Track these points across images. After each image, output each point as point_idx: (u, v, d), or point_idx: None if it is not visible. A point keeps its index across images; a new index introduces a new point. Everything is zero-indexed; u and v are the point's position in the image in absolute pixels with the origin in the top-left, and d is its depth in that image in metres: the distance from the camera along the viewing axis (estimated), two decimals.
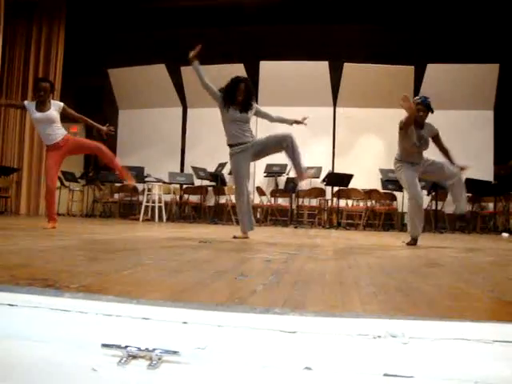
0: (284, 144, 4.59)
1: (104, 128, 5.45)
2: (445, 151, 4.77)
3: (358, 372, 0.89)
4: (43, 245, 3.15)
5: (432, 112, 4.64)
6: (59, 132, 5.15)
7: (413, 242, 4.59)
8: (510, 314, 1.47)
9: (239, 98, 4.63)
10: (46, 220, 5.24)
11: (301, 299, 1.50)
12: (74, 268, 2.08)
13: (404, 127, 4.51)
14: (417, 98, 4.74)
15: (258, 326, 0.99)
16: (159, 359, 0.90)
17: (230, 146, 4.72)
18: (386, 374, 0.88)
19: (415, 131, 4.55)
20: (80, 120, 5.49)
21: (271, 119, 5.00)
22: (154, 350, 0.91)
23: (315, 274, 2.20)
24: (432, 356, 0.90)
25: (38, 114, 5.09)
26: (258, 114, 4.93)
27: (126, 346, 0.92)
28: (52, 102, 5.17)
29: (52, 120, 5.09)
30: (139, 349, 0.91)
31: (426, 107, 4.58)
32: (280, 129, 5.02)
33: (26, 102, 5.31)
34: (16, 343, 0.97)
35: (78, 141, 5.35)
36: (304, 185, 9.88)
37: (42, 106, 5.11)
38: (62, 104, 5.19)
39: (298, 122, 4.98)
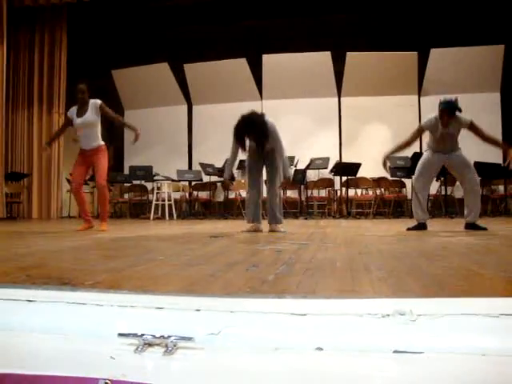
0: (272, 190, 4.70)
1: (138, 131, 5.53)
2: (488, 139, 4.74)
3: (368, 350, 0.91)
4: (57, 246, 3.19)
5: (460, 111, 4.60)
6: (95, 140, 5.26)
7: (416, 226, 4.61)
8: None
9: (251, 141, 4.64)
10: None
11: (312, 286, 1.53)
12: (87, 266, 2.12)
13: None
14: (441, 102, 4.67)
15: (270, 310, 1.01)
16: (174, 346, 0.93)
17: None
18: (395, 351, 0.90)
19: (440, 130, 4.56)
20: (116, 120, 5.60)
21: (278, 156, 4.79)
22: (169, 336, 0.94)
23: (326, 261, 2.22)
24: (440, 331, 0.92)
25: (78, 121, 5.22)
26: (274, 141, 4.69)
27: (142, 335, 0.95)
28: (90, 101, 5.27)
29: (89, 124, 5.20)
30: (154, 336, 0.94)
31: (449, 111, 4.55)
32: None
33: (69, 113, 5.40)
34: (36, 336, 1.00)
35: (101, 161, 5.35)
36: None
37: (81, 108, 5.25)
38: (98, 102, 5.27)
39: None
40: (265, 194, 4.93)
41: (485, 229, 4.47)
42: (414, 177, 4.87)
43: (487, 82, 9.61)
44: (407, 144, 4.83)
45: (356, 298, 1.12)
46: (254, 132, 4.53)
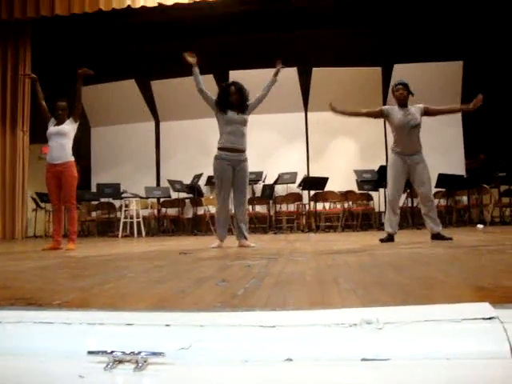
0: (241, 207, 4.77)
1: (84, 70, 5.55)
2: (446, 110, 5.08)
3: (336, 359, 0.92)
4: (22, 266, 3.12)
5: (412, 95, 4.81)
6: (65, 154, 5.20)
7: (386, 238, 4.67)
8: (479, 295, 1.53)
9: (233, 99, 4.77)
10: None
11: (281, 299, 1.54)
12: (55, 286, 2.08)
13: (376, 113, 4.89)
14: (394, 82, 4.94)
15: (239, 323, 1.02)
16: (145, 361, 0.93)
17: (220, 148, 4.75)
18: (363, 359, 0.92)
19: (400, 110, 4.70)
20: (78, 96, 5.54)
21: (264, 95, 5.15)
22: (140, 352, 0.93)
23: (295, 275, 2.24)
24: (405, 338, 0.94)
25: (53, 129, 5.25)
26: (254, 106, 5.03)
27: (112, 352, 0.94)
28: (69, 119, 5.33)
29: (63, 134, 5.20)
30: (124, 353, 0.94)
31: (404, 86, 4.75)
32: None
33: (52, 118, 5.40)
34: (3, 358, 0.98)
35: (69, 178, 5.26)
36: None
37: (59, 123, 5.29)
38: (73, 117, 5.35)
39: (277, 72, 5.21)
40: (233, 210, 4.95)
41: (450, 239, 4.56)
42: (387, 189, 4.92)
43: (448, 96, 9.87)
44: (359, 114, 5.27)
45: (324, 309, 1.13)
46: (244, 93, 4.85)
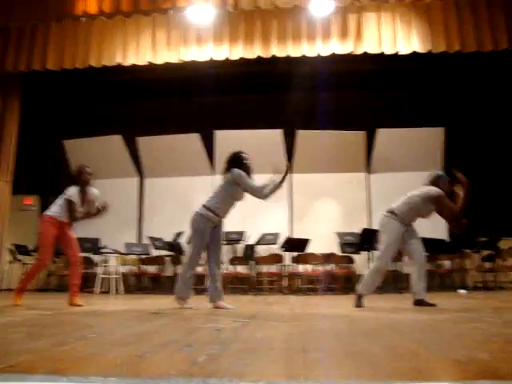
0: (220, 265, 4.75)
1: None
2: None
3: None
4: None
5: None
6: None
7: (358, 302, 4.58)
8: (451, 371, 1.46)
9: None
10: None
11: (242, 369, 1.45)
12: (7, 346, 1.97)
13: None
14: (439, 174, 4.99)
15: None
16: None
17: (213, 212, 4.65)
18: None
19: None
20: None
21: (258, 196, 5.02)
22: None
23: (264, 341, 2.14)
24: None
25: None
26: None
27: None
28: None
29: None
30: None
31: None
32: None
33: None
34: None
35: (72, 232, 5.25)
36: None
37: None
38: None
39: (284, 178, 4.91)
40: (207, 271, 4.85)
41: (433, 305, 4.48)
42: (383, 251, 4.75)
43: (430, 160, 10.05)
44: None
45: None
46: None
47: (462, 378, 1.34)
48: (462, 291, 7.93)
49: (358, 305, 4.57)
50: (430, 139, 9.98)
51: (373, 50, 8.55)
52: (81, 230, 10.67)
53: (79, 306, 4.87)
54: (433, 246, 8.85)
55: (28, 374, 1.38)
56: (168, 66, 9.26)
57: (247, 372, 1.41)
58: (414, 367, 1.50)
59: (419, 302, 4.58)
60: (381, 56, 8.68)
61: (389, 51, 8.50)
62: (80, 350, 1.88)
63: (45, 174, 11.57)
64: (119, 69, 9.33)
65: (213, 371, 1.41)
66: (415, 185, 10.28)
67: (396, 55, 8.54)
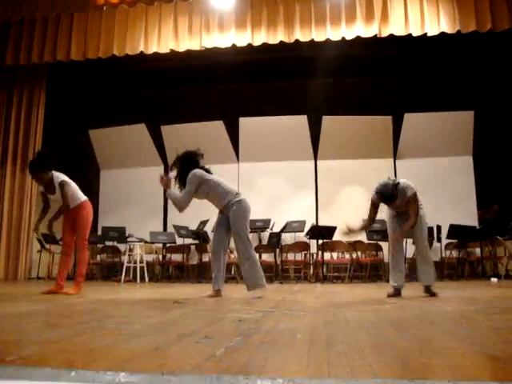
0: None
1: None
2: (410, 215, 4.43)
3: None
4: (2, 311, 2.96)
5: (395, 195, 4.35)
6: (73, 200, 5.05)
7: (394, 293, 4.44)
8: (489, 368, 1.34)
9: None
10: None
11: (261, 363, 1.36)
12: (23, 337, 1.92)
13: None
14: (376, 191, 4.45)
15: None
16: None
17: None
18: None
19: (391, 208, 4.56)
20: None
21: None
22: None
23: (286, 333, 2.04)
24: None
25: (51, 196, 5.03)
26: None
27: None
28: (54, 179, 4.95)
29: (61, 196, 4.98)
30: None
31: (387, 201, 4.41)
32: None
33: (41, 191, 5.15)
34: None
35: (81, 220, 5.09)
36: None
37: (48, 190, 5.01)
38: (58, 183, 4.94)
39: None
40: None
41: (434, 295, 4.31)
42: (389, 242, 4.69)
43: (459, 145, 9.78)
44: (370, 220, 4.68)
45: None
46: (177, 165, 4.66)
47: (504, 376, 1.22)
48: (494, 280, 7.71)
49: (390, 294, 4.44)
50: (458, 123, 9.69)
51: (399, 32, 8.31)
52: (108, 219, 10.78)
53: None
54: (463, 233, 8.63)
55: (36, 367, 1.31)
56: (191, 54, 9.19)
57: (266, 367, 1.31)
58: (448, 364, 1.38)
59: (426, 289, 4.43)
60: (407, 39, 8.43)
61: (416, 33, 8.24)
62: (95, 341, 1.81)
63: (71, 164, 11.65)
64: (142, 57, 9.30)
65: (229, 366, 1.32)
66: (443, 170, 10.09)
67: (423, 37, 8.28)
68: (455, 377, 1.20)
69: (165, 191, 4.74)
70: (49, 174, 4.92)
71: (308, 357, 1.46)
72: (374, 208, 4.61)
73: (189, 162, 4.66)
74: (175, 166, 4.69)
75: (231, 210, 4.51)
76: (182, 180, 4.62)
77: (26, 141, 10.22)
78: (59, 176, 5.00)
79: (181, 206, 4.59)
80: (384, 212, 4.73)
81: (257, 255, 4.80)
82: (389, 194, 4.32)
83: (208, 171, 4.72)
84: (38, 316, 2.77)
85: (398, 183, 4.39)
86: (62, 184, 4.94)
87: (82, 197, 5.18)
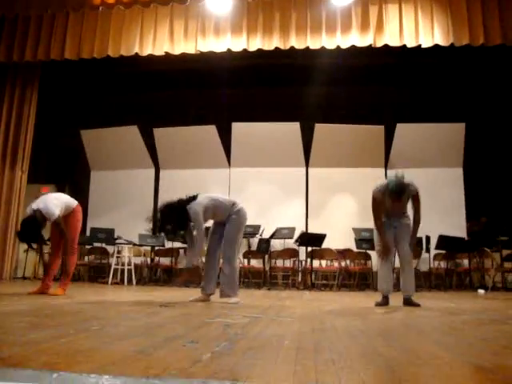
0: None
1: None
2: (415, 215, 4.49)
3: None
4: None
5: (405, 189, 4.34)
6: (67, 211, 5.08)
7: (382, 301, 4.43)
8: (477, 379, 1.32)
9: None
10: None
11: (247, 370, 1.34)
12: (5, 337, 1.88)
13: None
14: (391, 184, 4.35)
15: None
16: None
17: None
18: None
19: (389, 202, 4.47)
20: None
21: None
22: None
23: (274, 339, 2.02)
24: None
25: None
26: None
27: None
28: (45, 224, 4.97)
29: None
30: None
31: (397, 196, 4.31)
32: None
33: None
34: None
35: (69, 222, 5.08)
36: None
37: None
38: (52, 223, 4.94)
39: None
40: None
41: (418, 305, 4.30)
42: (377, 250, 4.69)
43: (450, 157, 9.83)
44: (380, 218, 4.60)
45: None
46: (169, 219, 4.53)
47: None
48: (481, 291, 7.73)
49: (378, 303, 4.43)
50: (449, 135, 9.74)
51: (394, 42, 8.34)
52: (97, 221, 10.69)
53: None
54: (451, 245, 8.66)
55: (16, 368, 1.29)
56: (185, 57, 9.17)
57: (253, 373, 1.29)
58: (436, 373, 1.37)
59: (407, 302, 4.43)
60: (401, 50, 8.47)
61: (410, 44, 8.28)
62: (79, 343, 1.78)
63: (61, 164, 11.59)
64: (137, 59, 9.27)
65: (215, 371, 1.30)
66: (434, 181, 10.12)
67: (416, 49, 8.33)
68: None
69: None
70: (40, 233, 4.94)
71: (295, 363, 1.44)
72: (378, 204, 4.52)
73: (175, 209, 4.55)
74: (167, 222, 4.56)
75: (230, 218, 4.53)
76: (181, 226, 4.53)
77: (17, 139, 10.11)
78: (49, 213, 4.84)
79: (203, 245, 4.56)
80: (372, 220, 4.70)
81: (238, 266, 4.78)
82: (402, 187, 4.28)
83: (195, 197, 4.60)
84: (22, 316, 2.73)
85: (404, 177, 4.36)
86: (56, 222, 4.91)
87: (73, 203, 5.17)
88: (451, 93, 10.30)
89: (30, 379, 1.23)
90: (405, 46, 8.31)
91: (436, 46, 8.20)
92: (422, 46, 8.22)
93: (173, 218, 4.48)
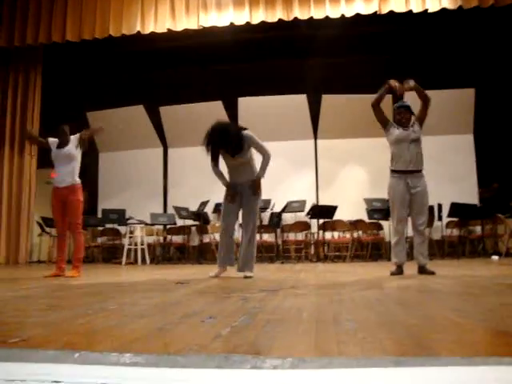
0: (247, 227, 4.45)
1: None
2: (422, 105, 4.86)
3: None
4: (3, 295, 2.93)
5: (413, 115, 4.80)
6: (71, 177, 5.07)
7: (397, 271, 4.42)
8: (503, 343, 1.30)
9: (221, 152, 4.50)
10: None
11: (268, 343, 1.32)
12: (25, 319, 1.89)
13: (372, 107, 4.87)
14: (396, 104, 5.01)
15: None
16: None
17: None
18: None
19: (400, 126, 4.64)
20: (89, 137, 5.37)
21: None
22: None
23: (292, 311, 2.02)
24: None
25: (56, 151, 5.11)
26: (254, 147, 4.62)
27: None
28: (71, 138, 5.15)
29: (68, 156, 5.06)
30: None
31: (407, 109, 4.81)
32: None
33: (50, 140, 5.25)
34: None
35: (74, 203, 5.08)
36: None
37: (62, 145, 5.13)
38: (77, 136, 5.15)
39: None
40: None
41: (433, 273, 4.28)
42: (391, 218, 4.66)
43: (460, 123, 9.71)
44: (378, 104, 4.99)
45: (312, 368, 0.92)
46: (225, 145, 4.38)
47: None
48: (495, 257, 7.71)
49: (393, 273, 4.42)
50: (459, 101, 9.61)
51: (399, 8, 8.18)
52: (108, 202, 10.74)
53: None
54: (464, 212, 8.61)
55: (38, 349, 1.28)
56: (188, 33, 9.05)
57: (274, 346, 1.28)
58: (458, 340, 1.35)
59: (421, 269, 4.43)
60: (407, 15, 8.29)
61: (417, 9, 8.11)
62: (98, 322, 1.78)
63: None
64: (139, 38, 9.17)
65: (236, 345, 1.29)
66: (444, 148, 10.02)
67: (423, 14, 8.14)
68: (466, 353, 1.17)
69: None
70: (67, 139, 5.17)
71: (316, 335, 1.43)
72: (382, 116, 4.99)
73: (233, 131, 4.47)
74: (226, 143, 4.40)
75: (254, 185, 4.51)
76: (238, 148, 4.44)
77: (23, 123, 10.13)
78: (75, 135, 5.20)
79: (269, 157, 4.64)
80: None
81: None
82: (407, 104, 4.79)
83: (245, 129, 4.67)
84: (39, 299, 2.75)
85: None
86: (81, 135, 5.21)
87: (78, 179, 5.16)
88: (460, 58, 10.09)
89: (52, 359, 1.23)
90: (411, 11, 8.13)
91: (443, 10, 8.02)
92: (429, 11, 8.04)
93: (232, 139, 4.37)
